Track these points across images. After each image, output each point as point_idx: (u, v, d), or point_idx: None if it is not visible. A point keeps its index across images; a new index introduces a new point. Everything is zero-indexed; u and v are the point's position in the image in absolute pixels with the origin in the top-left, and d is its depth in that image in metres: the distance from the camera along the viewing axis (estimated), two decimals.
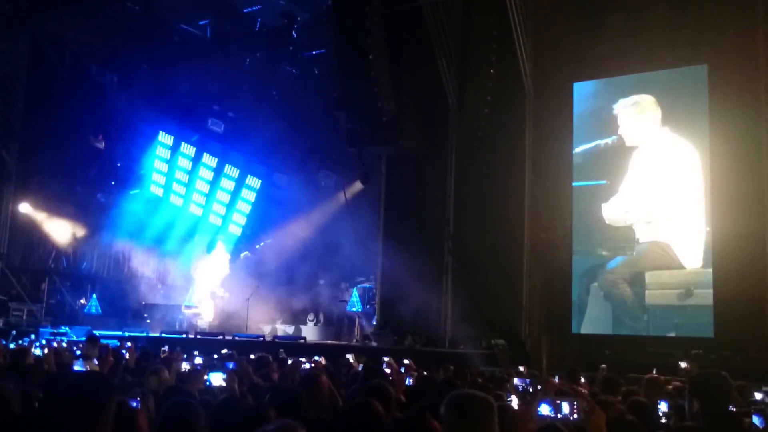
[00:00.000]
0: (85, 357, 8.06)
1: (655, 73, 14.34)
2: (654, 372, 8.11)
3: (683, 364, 9.57)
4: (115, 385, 3.36)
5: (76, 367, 5.26)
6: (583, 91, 15.22)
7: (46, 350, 9.95)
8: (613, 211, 14.40)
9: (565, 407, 2.85)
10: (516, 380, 6.05)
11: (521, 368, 9.86)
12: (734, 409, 3.98)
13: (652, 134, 14.18)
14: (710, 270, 13.18)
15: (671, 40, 13.83)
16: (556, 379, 7.94)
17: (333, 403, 5.21)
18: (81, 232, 21.58)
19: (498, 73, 15.25)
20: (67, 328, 17.98)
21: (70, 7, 18.64)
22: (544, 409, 2.87)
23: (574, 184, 14.93)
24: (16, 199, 20.72)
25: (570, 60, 14.94)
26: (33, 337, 14.98)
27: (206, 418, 3.83)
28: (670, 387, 6.27)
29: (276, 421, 3.42)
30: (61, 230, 21.33)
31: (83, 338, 15.22)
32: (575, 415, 2.83)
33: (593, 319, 14.47)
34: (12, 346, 10.77)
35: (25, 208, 20.77)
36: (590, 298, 14.51)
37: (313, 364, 8.17)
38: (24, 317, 19.68)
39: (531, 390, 5.70)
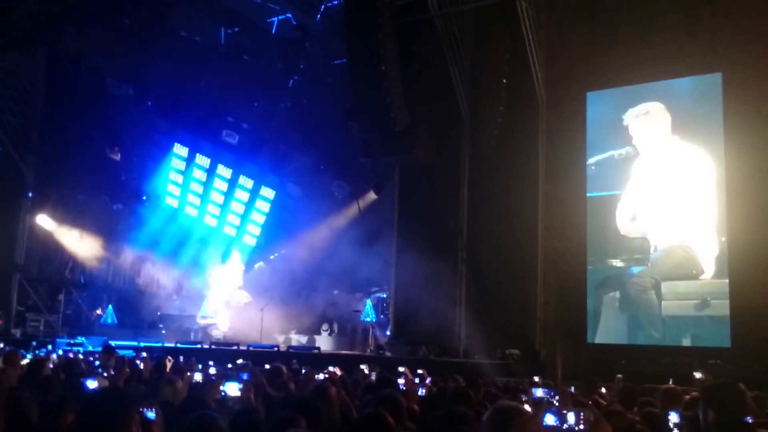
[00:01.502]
0: (102, 368, 8.13)
1: (670, 82, 14.30)
2: (671, 382, 8.05)
3: (698, 375, 9.50)
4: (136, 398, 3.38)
5: (89, 383, 5.28)
6: (596, 100, 15.18)
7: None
8: (627, 222, 14.34)
9: (571, 418, 2.82)
10: (540, 391, 5.96)
11: (536, 378, 9.81)
12: (750, 420, 3.94)
13: (664, 142, 14.13)
14: (726, 280, 13.08)
15: (685, 48, 13.79)
16: (572, 389, 7.89)
17: (346, 413, 5.22)
18: (97, 243, 21.75)
19: (511, 83, 15.24)
20: (83, 339, 18.09)
21: (86, 20, 18.87)
22: (549, 420, 2.85)
23: (588, 194, 14.88)
24: (33, 210, 20.93)
25: (583, 69, 14.93)
26: (50, 347, 15.09)
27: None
28: (687, 397, 6.22)
29: (294, 430, 3.44)
30: (77, 241, 21.51)
31: (99, 349, 15.35)
32: (581, 426, 2.81)
33: (608, 329, 14.39)
34: (29, 356, 10.84)
35: (42, 219, 20.97)
36: (605, 308, 14.43)
37: (327, 375, 8.18)
38: (41, 328, 19.85)
39: (555, 402, 5.65)
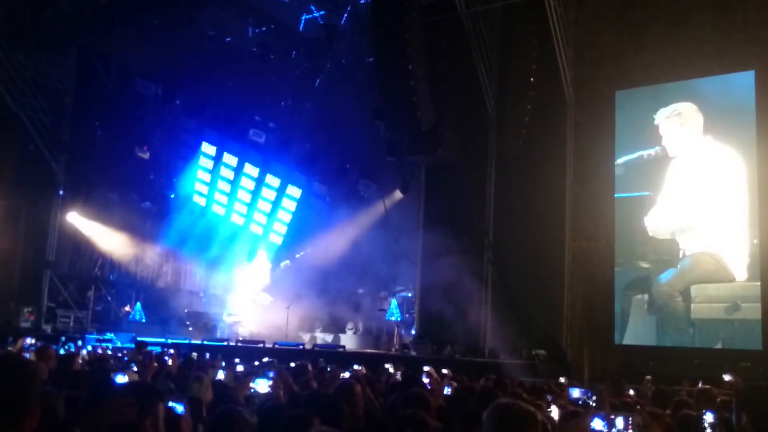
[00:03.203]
0: (134, 363, 8.22)
1: (701, 80, 14.08)
2: (700, 385, 7.94)
3: (727, 377, 9.36)
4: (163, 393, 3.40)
5: (118, 378, 5.35)
6: (625, 99, 14.99)
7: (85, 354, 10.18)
8: (656, 223, 14.14)
9: (619, 422, 2.76)
10: (577, 392, 5.86)
11: (562, 379, 9.74)
12: None
13: (695, 144, 13.90)
14: (758, 283, 12.85)
15: (717, 46, 13.57)
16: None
17: (371, 411, 5.22)
18: (126, 240, 22.02)
19: (538, 82, 15.12)
20: (112, 335, 18.32)
21: (116, 21, 19.11)
22: (597, 424, 2.78)
23: (616, 195, 14.71)
24: (64, 208, 21.26)
25: (612, 68, 14.76)
26: (80, 343, 15.30)
27: (254, 426, 3.86)
28: (718, 400, 6.13)
29: (317, 428, 3.44)
30: (106, 239, 21.80)
31: (128, 345, 15.54)
32: (629, 431, 2.74)
33: (636, 331, 14.22)
34: (62, 351, 11.01)
35: (72, 217, 21.29)
36: (633, 309, 14.25)
37: (352, 373, 8.18)
38: (71, 324, 20.17)
39: (591, 402, 5.57)
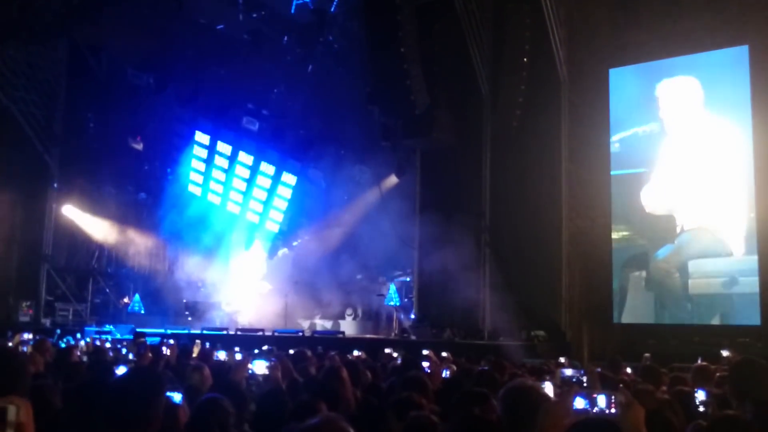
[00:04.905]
0: (131, 353, 8.22)
1: (695, 56, 14.03)
2: (699, 361, 7.95)
3: (725, 353, 9.39)
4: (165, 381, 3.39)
5: (117, 370, 5.34)
6: (619, 77, 14.95)
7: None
8: (653, 199, 14.15)
9: (601, 401, 2.72)
10: (569, 371, 5.89)
11: (562, 359, 9.76)
12: None
13: (693, 118, 13.88)
14: (755, 257, 12.87)
15: (710, 21, 13.51)
16: (599, 369, 7.82)
17: (367, 396, 5.21)
18: (122, 232, 21.97)
19: (532, 62, 15.06)
20: (111, 327, 18.31)
21: (105, 11, 18.94)
22: (579, 403, 2.75)
23: (612, 173, 14.70)
24: (59, 201, 21.19)
25: (605, 46, 14.70)
26: (78, 335, 15.28)
27: (237, 416, 3.85)
28: (717, 375, 6.14)
29: (320, 414, 3.43)
30: (103, 231, 21.76)
31: (127, 336, 15.54)
32: (612, 409, 2.71)
33: (635, 309, 14.26)
34: (62, 345, 11.00)
35: (67, 210, 21.23)
36: (631, 287, 14.29)
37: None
38: (70, 317, 20.16)
39: (584, 381, 5.58)
